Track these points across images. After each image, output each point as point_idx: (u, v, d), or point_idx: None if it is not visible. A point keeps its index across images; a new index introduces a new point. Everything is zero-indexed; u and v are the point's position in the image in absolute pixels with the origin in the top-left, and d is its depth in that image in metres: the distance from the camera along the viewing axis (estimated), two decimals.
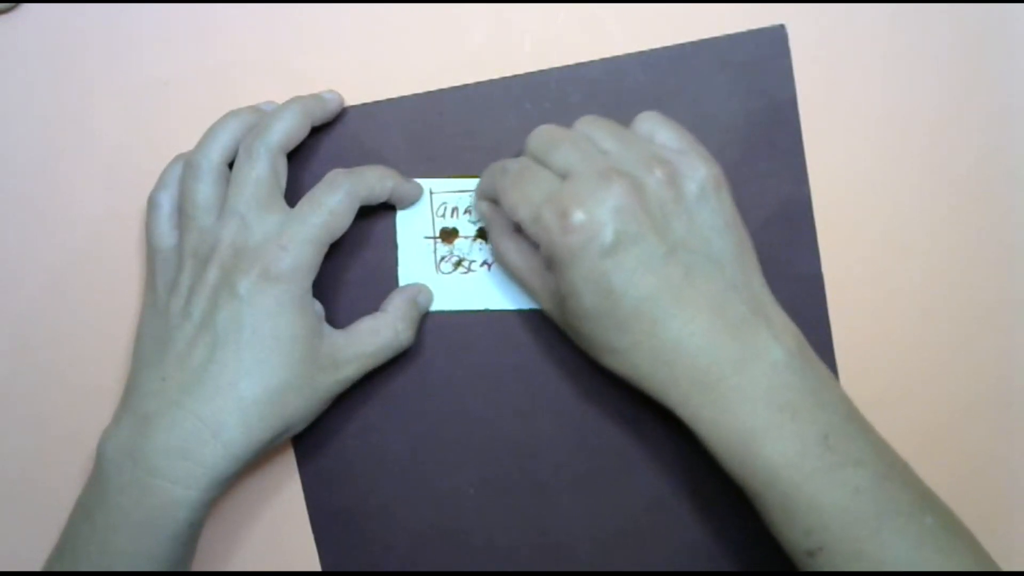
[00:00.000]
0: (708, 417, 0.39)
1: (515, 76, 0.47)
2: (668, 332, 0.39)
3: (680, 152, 0.41)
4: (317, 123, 0.46)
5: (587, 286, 0.40)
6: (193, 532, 0.42)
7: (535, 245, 0.42)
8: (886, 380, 0.45)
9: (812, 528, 0.38)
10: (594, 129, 0.42)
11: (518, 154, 0.44)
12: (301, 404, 0.43)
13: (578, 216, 0.39)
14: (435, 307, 0.48)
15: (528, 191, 0.41)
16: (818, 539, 0.38)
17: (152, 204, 0.45)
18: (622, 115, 0.43)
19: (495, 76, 0.47)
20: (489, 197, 0.45)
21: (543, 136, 0.42)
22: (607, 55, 0.47)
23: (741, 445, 0.39)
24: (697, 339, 0.39)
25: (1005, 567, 0.44)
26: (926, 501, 0.39)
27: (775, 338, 0.39)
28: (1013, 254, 0.47)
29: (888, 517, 0.37)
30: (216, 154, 0.44)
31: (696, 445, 0.45)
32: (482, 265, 0.48)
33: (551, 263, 0.41)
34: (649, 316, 0.39)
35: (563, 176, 0.41)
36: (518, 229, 0.43)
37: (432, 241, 0.48)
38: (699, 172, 0.41)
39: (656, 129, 0.42)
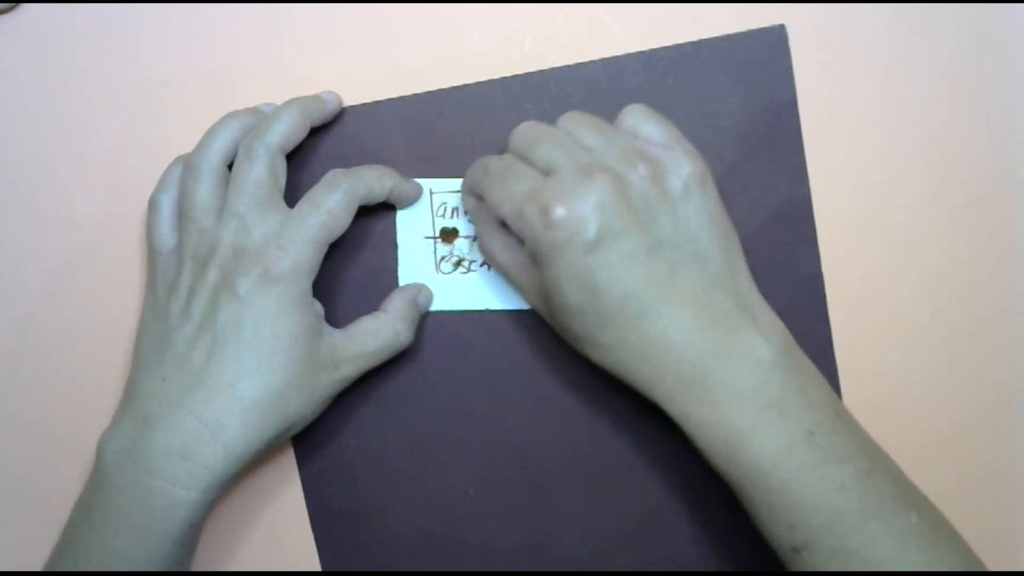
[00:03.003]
0: (694, 414, 0.39)
1: (515, 76, 0.47)
2: (653, 328, 0.39)
3: (665, 147, 0.41)
4: (316, 124, 0.46)
5: (571, 282, 0.40)
6: (193, 533, 0.42)
7: (520, 240, 0.42)
8: (886, 380, 0.44)
9: (797, 524, 0.38)
10: (577, 125, 0.42)
11: (502, 151, 0.44)
12: (301, 404, 0.43)
13: (560, 211, 0.39)
14: (435, 307, 0.48)
15: (511, 188, 0.41)
16: (803, 535, 0.38)
17: (152, 206, 0.45)
18: None
19: (495, 76, 0.47)
20: (474, 193, 0.45)
21: (525, 133, 0.42)
22: (607, 55, 0.47)
23: (727, 442, 0.39)
24: (682, 335, 0.39)
25: (1006, 567, 0.44)
26: (911, 498, 0.39)
27: (761, 335, 0.39)
28: (1013, 254, 0.47)
29: (873, 514, 0.38)
30: (215, 155, 0.44)
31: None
32: (482, 265, 0.47)
33: (535, 259, 0.41)
34: (634, 312, 0.39)
35: (546, 173, 0.41)
36: (504, 225, 0.43)
37: (432, 241, 0.48)
38: (683, 168, 0.40)
39: (641, 123, 0.42)
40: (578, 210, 0.39)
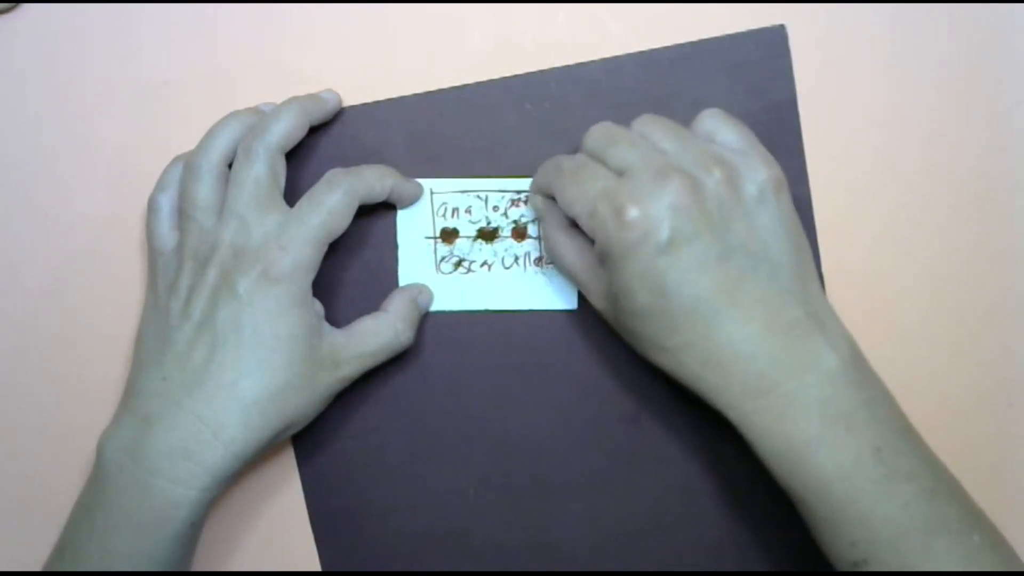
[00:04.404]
0: (760, 424, 0.39)
1: (515, 76, 0.47)
2: (721, 334, 0.39)
3: (741, 153, 0.41)
4: (316, 123, 0.46)
5: (641, 283, 0.39)
6: (193, 532, 0.42)
7: (589, 241, 0.42)
8: (886, 380, 0.44)
9: (859, 540, 0.37)
10: (653, 128, 0.42)
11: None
12: (301, 403, 0.43)
13: (633, 212, 0.39)
14: (435, 307, 0.48)
15: (585, 187, 0.41)
16: (864, 551, 0.37)
17: (152, 206, 0.45)
18: (622, 115, 0.43)
19: (495, 76, 0.47)
20: (544, 192, 0.45)
21: (600, 133, 0.42)
22: (607, 55, 0.47)
23: (793, 454, 0.38)
24: (751, 343, 0.39)
25: None
26: (974, 519, 0.39)
27: (830, 346, 0.39)
28: (1013, 254, 0.47)
29: (936, 533, 0.37)
30: (215, 155, 0.44)
31: (695, 447, 0.46)
32: (482, 265, 0.48)
33: (605, 259, 0.41)
34: (703, 316, 0.39)
35: (620, 173, 0.40)
36: (572, 225, 0.43)
37: (432, 241, 0.48)
38: (759, 174, 0.40)
39: (717, 128, 0.42)
40: (652, 211, 0.39)
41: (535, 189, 0.45)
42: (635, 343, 0.42)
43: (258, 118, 0.45)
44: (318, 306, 0.44)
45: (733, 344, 0.39)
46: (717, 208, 0.39)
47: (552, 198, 0.43)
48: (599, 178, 0.41)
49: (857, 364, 0.40)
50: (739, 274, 0.39)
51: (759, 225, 0.40)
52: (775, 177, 0.40)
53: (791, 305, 0.39)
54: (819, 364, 0.39)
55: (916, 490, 0.38)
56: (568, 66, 0.47)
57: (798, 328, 0.39)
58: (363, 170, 0.45)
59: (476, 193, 0.47)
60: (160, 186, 0.45)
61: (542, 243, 0.47)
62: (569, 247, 0.44)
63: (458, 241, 0.48)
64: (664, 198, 0.39)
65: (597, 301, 0.44)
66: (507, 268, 0.47)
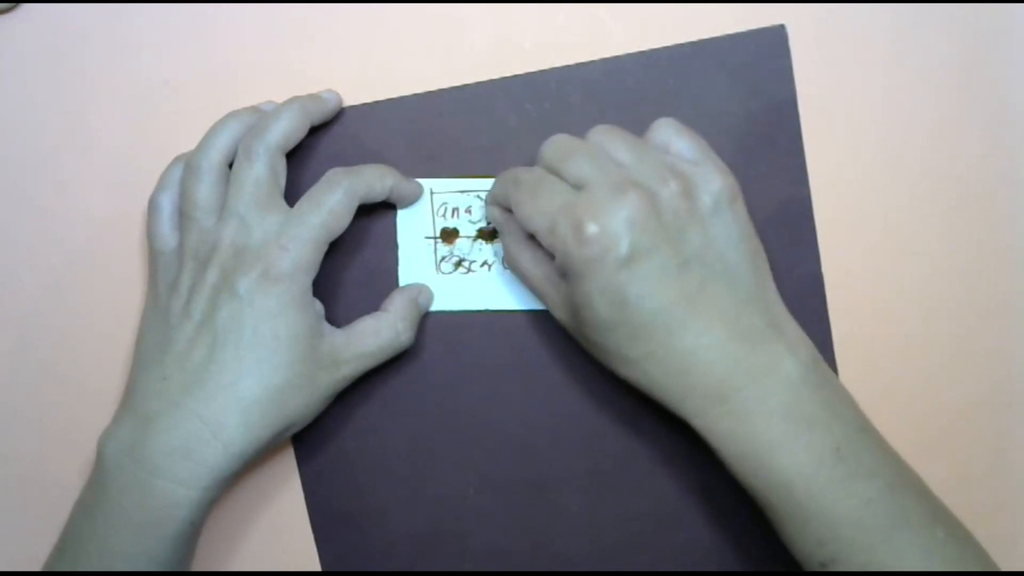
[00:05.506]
0: (722, 428, 0.39)
1: (515, 76, 0.47)
2: (682, 343, 0.39)
3: (695, 163, 0.41)
4: (316, 123, 0.46)
5: (602, 298, 0.40)
6: (194, 532, 0.42)
7: (549, 254, 0.42)
8: (886, 380, 0.44)
9: (825, 539, 0.38)
10: (608, 140, 0.42)
11: (529, 161, 0.44)
12: (302, 403, 0.43)
13: (592, 228, 0.39)
14: (435, 307, 0.48)
15: (542, 202, 0.41)
16: (831, 550, 0.38)
17: (152, 206, 0.45)
18: (622, 115, 0.43)
19: (495, 76, 0.47)
20: (501, 204, 0.45)
21: (557, 146, 0.42)
22: (607, 55, 0.47)
23: (755, 457, 0.39)
24: (712, 350, 0.39)
25: (1005, 567, 0.44)
26: (937, 513, 0.39)
27: (790, 351, 0.39)
28: (1013, 254, 0.47)
29: (900, 529, 0.38)
30: (216, 155, 0.44)
31: (695, 447, 0.45)
32: (482, 265, 0.48)
33: (565, 274, 0.41)
34: (663, 327, 0.39)
35: (577, 187, 0.41)
36: (530, 238, 0.43)
37: (432, 241, 0.48)
38: (714, 184, 0.41)
39: (672, 138, 0.42)
40: (611, 227, 0.39)
41: (492, 200, 0.45)
42: (598, 355, 0.43)
43: (258, 118, 0.45)
44: (318, 306, 0.44)
45: (695, 352, 0.39)
46: (674, 220, 0.40)
47: (510, 210, 0.44)
48: (557, 193, 0.41)
49: (816, 368, 0.40)
50: (698, 284, 0.39)
51: (715, 235, 0.40)
52: (729, 186, 0.41)
53: (750, 312, 0.40)
54: (780, 369, 0.39)
55: (879, 487, 0.38)
56: (568, 66, 0.47)
57: (758, 334, 0.40)
58: (363, 170, 0.45)
59: (476, 193, 0.47)
60: (161, 186, 0.45)
61: (502, 255, 0.47)
62: (529, 260, 0.44)
63: (458, 241, 0.48)
64: (621, 213, 0.39)
65: (559, 313, 0.44)
66: (507, 268, 0.47)
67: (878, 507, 0.38)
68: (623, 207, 0.39)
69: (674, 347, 0.39)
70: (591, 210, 0.39)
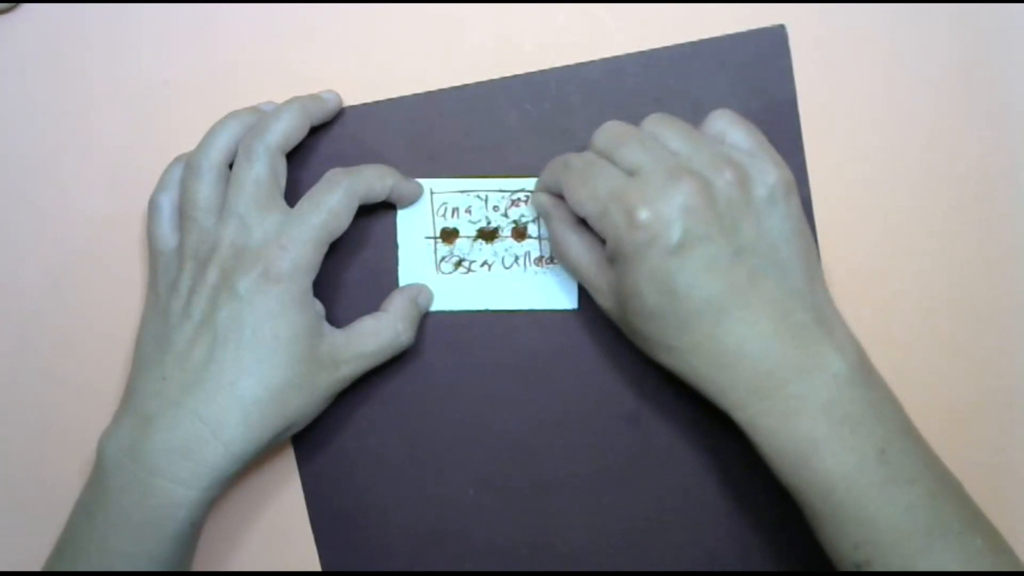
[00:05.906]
0: (766, 424, 0.39)
1: (515, 76, 0.47)
2: (730, 335, 0.39)
3: (751, 154, 0.41)
4: (316, 123, 0.46)
5: (651, 284, 0.39)
6: (193, 532, 0.42)
7: (597, 240, 0.42)
8: (886, 379, 0.44)
9: (862, 542, 0.38)
10: (663, 128, 0.42)
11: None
12: (302, 403, 0.43)
13: (645, 213, 0.39)
14: (435, 307, 0.48)
15: (595, 186, 0.41)
16: (867, 553, 0.38)
17: (153, 206, 0.45)
18: (622, 115, 0.43)
19: (495, 76, 0.47)
20: (550, 190, 0.44)
21: (610, 132, 0.42)
22: (607, 55, 0.47)
23: (798, 455, 0.38)
24: (759, 344, 0.39)
25: None
26: (976, 522, 0.39)
27: (837, 349, 0.39)
28: (1013, 254, 0.47)
29: (938, 536, 0.37)
30: (216, 155, 0.44)
31: (695, 447, 0.46)
32: (482, 265, 0.48)
33: (615, 259, 0.41)
34: (712, 317, 0.39)
35: (630, 173, 0.40)
36: (580, 223, 0.43)
37: (432, 241, 0.48)
38: (770, 176, 0.40)
39: (728, 129, 0.42)
40: (663, 213, 0.38)
41: (541, 187, 0.45)
42: (642, 343, 0.42)
43: (258, 118, 0.45)
44: (318, 306, 0.44)
45: (742, 345, 0.39)
46: (727, 209, 0.39)
47: (559, 196, 0.43)
48: (609, 178, 0.41)
49: (863, 368, 0.40)
50: (749, 275, 0.39)
51: (768, 227, 0.40)
52: (785, 179, 0.40)
53: (800, 308, 0.39)
54: (827, 367, 0.39)
55: (919, 493, 0.38)
56: (568, 66, 0.47)
57: (806, 331, 0.39)
58: (363, 170, 0.45)
59: (476, 193, 0.47)
60: (161, 186, 0.45)
61: (548, 241, 0.47)
62: (578, 245, 0.44)
63: (458, 241, 0.48)
64: (675, 199, 0.39)
65: (604, 300, 0.43)
66: (507, 268, 0.47)
67: (918, 513, 0.37)
68: (677, 193, 0.39)
69: (721, 338, 0.39)
70: (644, 195, 0.39)
